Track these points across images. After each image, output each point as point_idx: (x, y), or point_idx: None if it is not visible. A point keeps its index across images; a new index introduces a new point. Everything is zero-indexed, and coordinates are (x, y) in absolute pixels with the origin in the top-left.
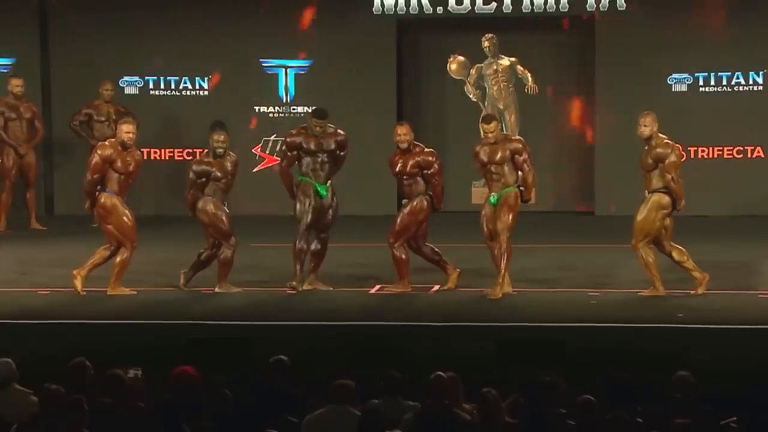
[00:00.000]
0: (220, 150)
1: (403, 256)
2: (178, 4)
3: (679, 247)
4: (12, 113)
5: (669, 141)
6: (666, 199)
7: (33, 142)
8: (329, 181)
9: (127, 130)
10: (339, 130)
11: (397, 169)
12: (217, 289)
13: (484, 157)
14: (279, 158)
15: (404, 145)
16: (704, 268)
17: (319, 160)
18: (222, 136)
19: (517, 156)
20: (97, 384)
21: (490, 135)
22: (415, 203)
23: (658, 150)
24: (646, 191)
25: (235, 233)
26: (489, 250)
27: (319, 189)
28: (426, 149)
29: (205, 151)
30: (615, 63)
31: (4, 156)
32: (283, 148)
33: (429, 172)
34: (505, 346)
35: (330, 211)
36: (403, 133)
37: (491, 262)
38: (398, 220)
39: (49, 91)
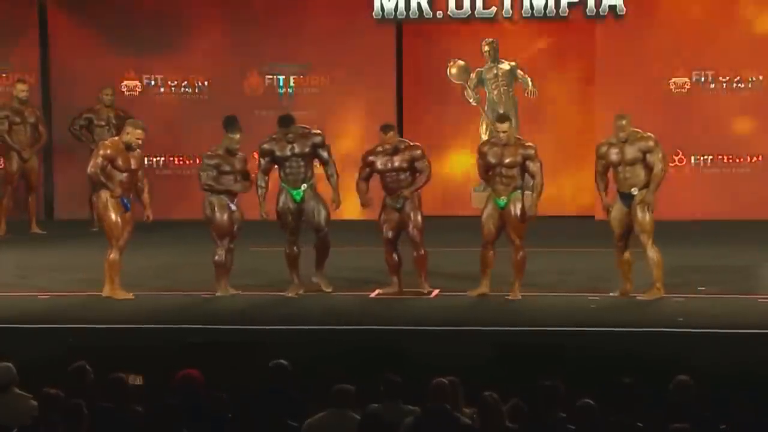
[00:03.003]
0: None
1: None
2: (178, 7)
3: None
4: (16, 117)
5: (646, 133)
6: (651, 195)
7: (36, 147)
8: (305, 184)
9: (137, 136)
10: (314, 130)
11: None
12: (217, 293)
13: (492, 158)
14: None
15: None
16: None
17: (294, 164)
18: (237, 136)
19: (529, 162)
20: (96, 388)
21: (502, 135)
22: None
23: (649, 142)
24: (633, 189)
25: (233, 237)
26: (483, 251)
27: (293, 194)
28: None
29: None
30: (615, 66)
31: (7, 160)
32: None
33: None
34: (505, 350)
35: (314, 212)
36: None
37: (491, 267)
38: None
39: (48, 95)
